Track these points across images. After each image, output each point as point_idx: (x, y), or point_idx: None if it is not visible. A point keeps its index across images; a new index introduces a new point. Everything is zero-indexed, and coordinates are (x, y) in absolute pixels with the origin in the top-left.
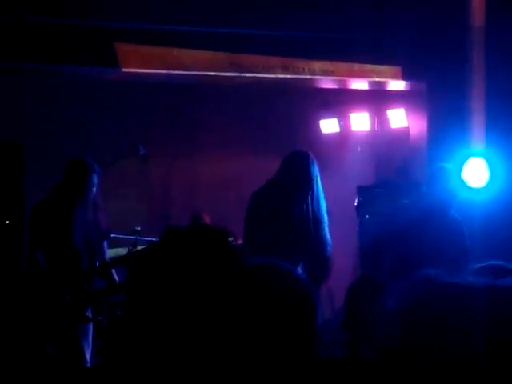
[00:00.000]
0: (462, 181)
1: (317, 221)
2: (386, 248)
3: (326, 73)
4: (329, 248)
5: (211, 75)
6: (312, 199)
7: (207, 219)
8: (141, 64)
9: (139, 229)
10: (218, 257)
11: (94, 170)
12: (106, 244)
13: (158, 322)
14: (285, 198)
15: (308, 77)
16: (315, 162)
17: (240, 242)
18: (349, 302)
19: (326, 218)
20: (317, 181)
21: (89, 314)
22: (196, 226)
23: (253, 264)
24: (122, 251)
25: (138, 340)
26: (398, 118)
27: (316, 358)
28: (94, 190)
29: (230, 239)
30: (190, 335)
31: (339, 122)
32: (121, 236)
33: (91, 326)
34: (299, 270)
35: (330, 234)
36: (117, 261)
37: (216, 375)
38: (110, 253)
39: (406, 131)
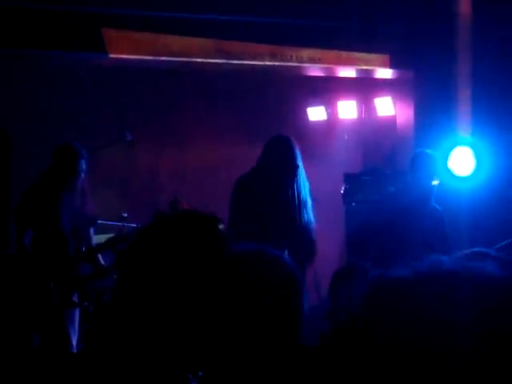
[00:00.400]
0: (449, 169)
1: (301, 205)
2: (371, 236)
3: (313, 60)
4: (313, 232)
5: (199, 62)
6: (296, 183)
7: (185, 205)
8: (129, 50)
9: (126, 215)
10: (205, 242)
11: (82, 156)
12: (92, 230)
13: (145, 306)
14: (269, 182)
15: (296, 64)
16: (297, 146)
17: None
18: (333, 290)
19: (309, 201)
20: (300, 165)
21: (75, 299)
22: (184, 212)
23: (240, 250)
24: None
25: (124, 325)
26: (385, 106)
27: (300, 345)
28: (82, 175)
29: (220, 225)
30: (176, 320)
31: (326, 109)
32: (108, 222)
33: (77, 312)
34: (286, 255)
35: (317, 221)
36: (103, 245)
37: (202, 359)
38: (98, 239)
39: (392, 119)
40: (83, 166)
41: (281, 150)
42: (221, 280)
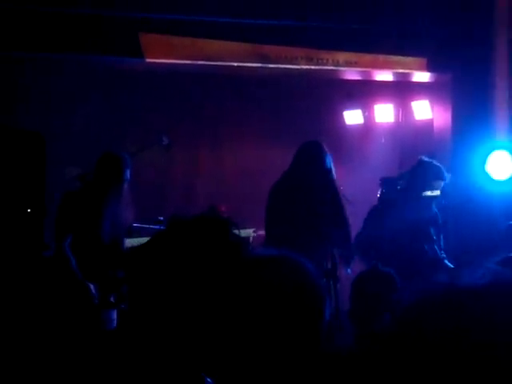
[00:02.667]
0: (486, 173)
1: (338, 208)
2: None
3: (350, 64)
4: (350, 231)
5: (236, 66)
6: (328, 186)
7: (223, 209)
8: (166, 54)
9: (162, 219)
10: (217, 246)
11: (127, 165)
12: (124, 238)
13: (161, 309)
14: (300, 186)
15: (332, 68)
16: (327, 150)
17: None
18: (355, 293)
19: (344, 204)
20: (330, 168)
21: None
22: (198, 216)
23: (262, 254)
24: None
25: (141, 328)
26: (423, 109)
27: (320, 351)
28: (126, 185)
29: (234, 229)
30: (191, 325)
31: (363, 113)
32: (144, 226)
33: (115, 314)
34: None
35: (353, 224)
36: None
37: (219, 363)
38: (135, 243)
39: (430, 123)
40: (128, 175)
41: (309, 155)
42: (237, 283)
